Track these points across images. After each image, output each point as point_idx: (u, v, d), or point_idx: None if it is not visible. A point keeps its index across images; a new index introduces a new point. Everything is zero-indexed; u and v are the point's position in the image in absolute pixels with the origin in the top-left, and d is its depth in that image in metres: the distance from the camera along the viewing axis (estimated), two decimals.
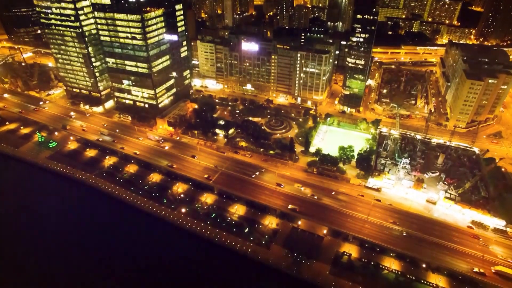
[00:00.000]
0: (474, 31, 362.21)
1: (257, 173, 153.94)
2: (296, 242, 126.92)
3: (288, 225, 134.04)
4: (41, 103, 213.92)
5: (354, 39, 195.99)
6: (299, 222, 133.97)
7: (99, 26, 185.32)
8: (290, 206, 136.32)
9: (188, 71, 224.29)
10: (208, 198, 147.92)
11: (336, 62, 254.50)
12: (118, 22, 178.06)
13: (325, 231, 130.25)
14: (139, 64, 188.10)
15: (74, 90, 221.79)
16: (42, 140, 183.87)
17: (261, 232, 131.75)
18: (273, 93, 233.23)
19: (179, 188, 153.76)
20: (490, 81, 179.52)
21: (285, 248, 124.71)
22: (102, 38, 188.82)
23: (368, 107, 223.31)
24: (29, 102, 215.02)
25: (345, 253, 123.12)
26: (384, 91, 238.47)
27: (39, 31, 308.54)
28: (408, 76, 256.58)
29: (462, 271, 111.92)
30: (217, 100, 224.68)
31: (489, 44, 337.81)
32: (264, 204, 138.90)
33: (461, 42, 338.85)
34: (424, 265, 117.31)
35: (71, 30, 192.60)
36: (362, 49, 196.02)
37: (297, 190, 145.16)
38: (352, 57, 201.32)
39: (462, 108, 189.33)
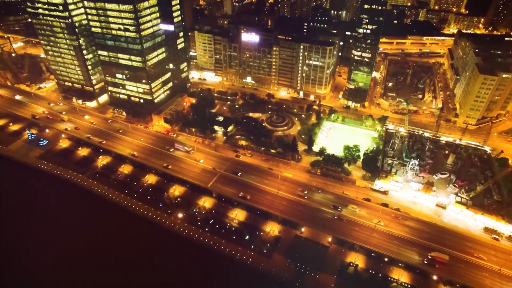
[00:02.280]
0: (483, 20, 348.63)
1: (306, 191, 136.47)
2: (300, 251, 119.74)
3: (291, 233, 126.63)
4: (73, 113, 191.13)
5: (361, 30, 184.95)
6: (303, 229, 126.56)
7: (89, 17, 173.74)
8: (240, 194, 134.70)
9: (185, 64, 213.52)
10: (206, 202, 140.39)
11: (340, 54, 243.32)
12: (109, 13, 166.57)
13: (329, 239, 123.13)
14: (132, 57, 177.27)
15: (66, 83, 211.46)
16: (32, 138, 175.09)
17: (262, 239, 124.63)
18: (275, 86, 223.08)
19: (176, 190, 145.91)
20: (504, 75, 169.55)
21: (287, 258, 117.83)
22: (93, 29, 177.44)
23: (373, 101, 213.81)
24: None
25: (351, 264, 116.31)
26: (390, 84, 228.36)
27: (29, 20, 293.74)
28: (414, 68, 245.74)
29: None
30: (215, 94, 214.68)
31: (499, 33, 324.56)
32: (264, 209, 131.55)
33: (470, 32, 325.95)
34: (435, 277, 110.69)
35: (60, 20, 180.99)
36: (369, 41, 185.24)
37: (352, 212, 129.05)
38: (358, 49, 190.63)
39: (473, 104, 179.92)
